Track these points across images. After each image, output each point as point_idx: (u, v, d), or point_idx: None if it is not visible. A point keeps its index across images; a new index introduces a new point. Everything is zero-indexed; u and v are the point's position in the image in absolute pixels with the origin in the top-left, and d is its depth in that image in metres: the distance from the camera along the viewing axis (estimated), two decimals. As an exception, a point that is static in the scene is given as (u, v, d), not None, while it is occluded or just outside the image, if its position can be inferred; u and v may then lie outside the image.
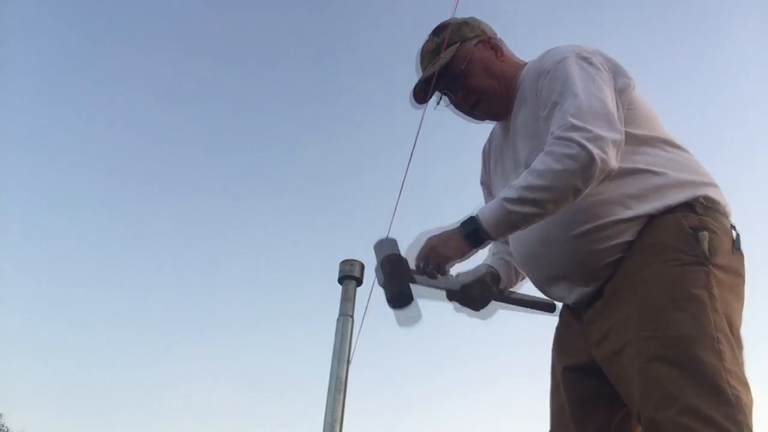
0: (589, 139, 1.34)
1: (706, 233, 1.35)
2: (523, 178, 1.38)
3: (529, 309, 1.70)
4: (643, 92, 1.55)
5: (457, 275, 1.62)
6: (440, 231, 1.46)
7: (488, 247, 1.76)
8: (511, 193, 1.37)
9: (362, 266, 3.03)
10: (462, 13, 1.72)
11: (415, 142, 1.74)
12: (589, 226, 1.42)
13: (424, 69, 1.69)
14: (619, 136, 1.38)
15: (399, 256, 1.48)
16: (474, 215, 1.41)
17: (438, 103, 1.69)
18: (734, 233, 1.42)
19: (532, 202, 1.36)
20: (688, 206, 1.39)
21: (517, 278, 1.77)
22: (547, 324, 1.67)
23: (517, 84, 1.63)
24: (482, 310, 1.65)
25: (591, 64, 1.47)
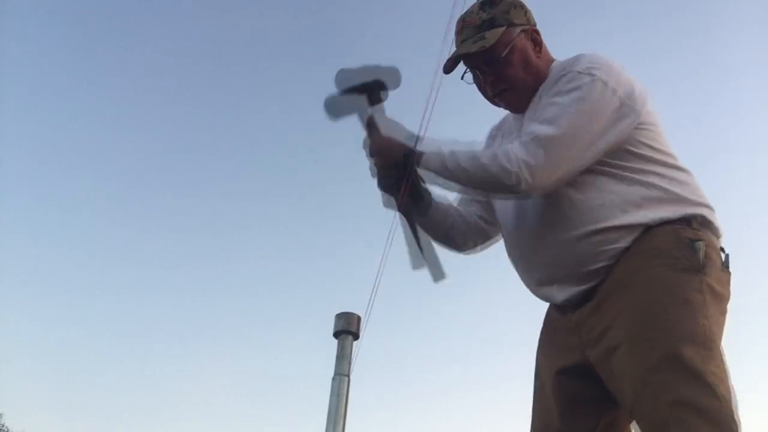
0: (530, 168, 1.40)
1: (702, 243, 1.39)
2: (470, 157, 1.47)
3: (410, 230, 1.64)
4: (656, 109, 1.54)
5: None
6: (399, 144, 1.54)
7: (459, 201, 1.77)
8: (455, 158, 1.47)
9: (359, 319, 2.81)
10: (461, 12, 1.65)
11: (403, 190, 1.58)
12: (589, 228, 1.44)
13: (461, 42, 1.60)
14: (553, 181, 1.42)
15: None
16: (425, 155, 1.50)
17: (462, 77, 1.64)
18: (723, 254, 1.45)
19: (454, 177, 1.49)
20: (685, 221, 1.42)
21: (445, 226, 1.71)
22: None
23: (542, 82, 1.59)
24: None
25: (603, 93, 1.44)
